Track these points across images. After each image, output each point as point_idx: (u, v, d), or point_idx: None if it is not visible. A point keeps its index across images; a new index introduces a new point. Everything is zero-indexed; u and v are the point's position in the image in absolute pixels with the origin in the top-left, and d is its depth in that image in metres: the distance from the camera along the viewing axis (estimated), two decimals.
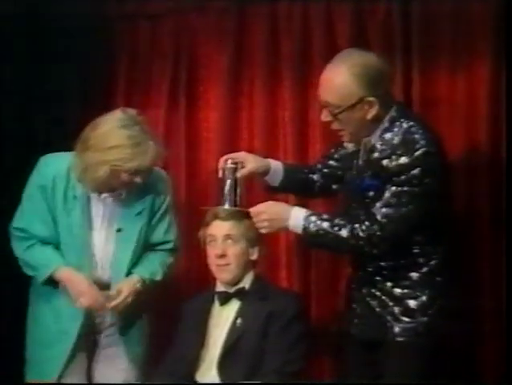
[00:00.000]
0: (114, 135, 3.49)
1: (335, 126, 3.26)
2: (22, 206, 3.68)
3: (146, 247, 3.74)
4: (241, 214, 3.50)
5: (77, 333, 3.63)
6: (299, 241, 3.35)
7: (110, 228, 3.67)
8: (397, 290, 3.24)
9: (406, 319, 3.22)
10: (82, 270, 3.61)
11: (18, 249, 3.65)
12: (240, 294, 3.59)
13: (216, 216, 3.60)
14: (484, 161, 3.75)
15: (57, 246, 3.63)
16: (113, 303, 3.58)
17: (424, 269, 3.23)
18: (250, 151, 3.67)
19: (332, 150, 3.58)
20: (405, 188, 3.12)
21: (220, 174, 3.45)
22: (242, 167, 3.44)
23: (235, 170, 3.43)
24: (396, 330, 3.22)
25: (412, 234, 3.20)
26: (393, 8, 3.94)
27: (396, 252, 3.22)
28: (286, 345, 3.48)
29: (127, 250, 3.67)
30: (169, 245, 3.76)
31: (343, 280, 3.94)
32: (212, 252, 3.61)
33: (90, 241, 3.65)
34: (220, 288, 3.64)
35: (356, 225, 3.17)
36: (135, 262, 3.69)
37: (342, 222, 3.20)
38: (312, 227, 3.22)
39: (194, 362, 3.56)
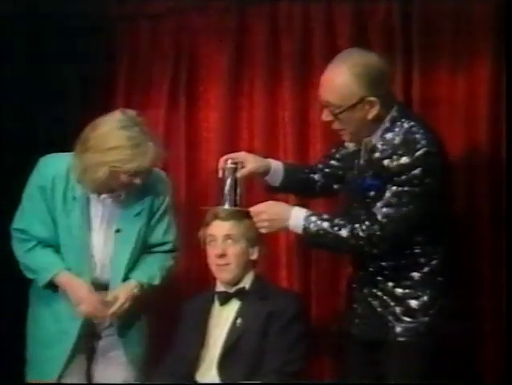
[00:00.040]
0: (113, 136, 3.49)
1: (336, 126, 3.26)
2: (21, 207, 3.68)
3: (145, 248, 3.74)
4: (241, 214, 3.50)
5: (77, 333, 3.63)
6: (299, 241, 3.35)
7: (109, 229, 3.67)
8: (398, 290, 3.24)
9: (407, 319, 3.22)
10: (81, 271, 3.61)
11: (19, 251, 3.65)
12: (240, 294, 3.59)
13: (216, 216, 3.60)
14: (484, 161, 3.75)
15: (57, 247, 3.63)
16: (110, 310, 3.59)
17: (426, 269, 3.23)
18: (250, 151, 3.67)
19: (333, 150, 3.58)
20: (406, 188, 3.12)
21: (220, 174, 3.45)
22: (242, 167, 3.44)
23: (235, 170, 3.43)
24: (398, 330, 3.22)
25: (413, 234, 3.20)
26: (393, 8, 3.93)
27: (398, 252, 3.22)
28: (286, 345, 3.48)
29: (125, 251, 3.67)
30: (168, 246, 3.76)
31: (343, 280, 3.95)
32: (212, 252, 3.61)
33: (89, 241, 3.65)
34: (220, 288, 3.63)
35: (356, 225, 3.17)
36: (133, 263, 3.69)
37: (342, 222, 3.20)
38: (312, 227, 3.22)
39: (194, 362, 3.56)
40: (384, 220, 3.14)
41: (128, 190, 3.62)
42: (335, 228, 3.19)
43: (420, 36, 3.88)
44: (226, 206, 3.43)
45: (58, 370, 3.62)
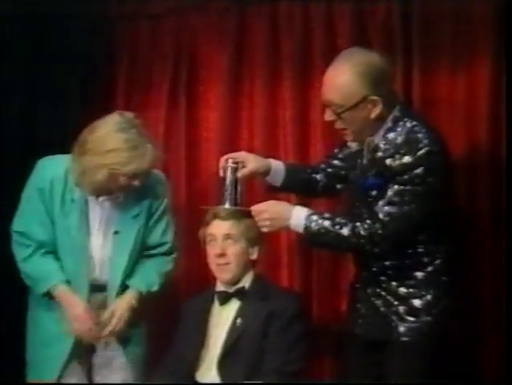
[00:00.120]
0: (111, 138, 3.49)
1: (339, 125, 3.26)
2: (20, 209, 3.68)
3: (143, 249, 3.73)
4: (242, 213, 3.51)
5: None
6: (300, 240, 3.34)
7: (107, 231, 3.67)
8: (402, 290, 3.24)
9: (411, 319, 3.21)
10: (79, 273, 3.62)
11: (18, 256, 3.65)
12: (240, 294, 3.59)
13: (216, 216, 3.60)
14: (484, 161, 3.75)
15: (55, 251, 3.63)
16: (106, 331, 3.61)
17: (429, 269, 3.23)
18: (251, 151, 3.67)
19: (336, 150, 3.58)
20: (408, 187, 3.12)
21: (220, 173, 3.45)
22: (243, 166, 3.44)
23: (236, 170, 3.43)
24: (401, 329, 3.22)
25: (416, 233, 3.20)
26: (393, 8, 3.93)
27: (401, 251, 3.22)
28: (286, 345, 3.47)
29: (124, 253, 3.67)
30: (166, 247, 3.76)
31: (344, 279, 3.95)
32: (212, 251, 3.61)
33: (87, 243, 3.64)
34: (220, 287, 3.63)
35: (358, 224, 3.17)
36: (132, 265, 3.70)
37: (343, 221, 3.20)
38: (314, 226, 3.22)
39: (194, 362, 3.56)
40: (386, 218, 3.14)
41: (127, 192, 3.62)
42: (337, 227, 3.19)
43: (420, 36, 3.88)
44: (226, 206, 3.43)
45: (58, 370, 3.61)
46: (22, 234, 3.63)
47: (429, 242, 3.23)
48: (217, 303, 3.63)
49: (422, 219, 3.16)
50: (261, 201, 3.73)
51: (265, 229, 3.33)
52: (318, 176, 3.60)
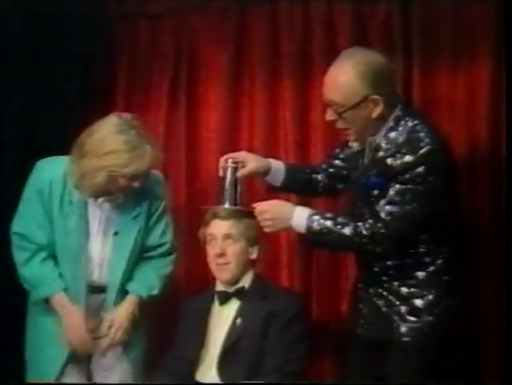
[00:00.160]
0: (110, 140, 3.49)
1: (340, 125, 3.25)
2: (19, 210, 3.67)
3: (143, 250, 3.73)
4: (241, 213, 3.52)
5: None
6: (302, 240, 3.33)
7: (107, 232, 3.67)
8: (404, 290, 3.24)
9: (412, 319, 3.21)
10: (77, 275, 3.62)
11: (17, 259, 3.65)
12: (240, 294, 3.59)
13: (215, 216, 3.60)
14: (484, 161, 3.75)
15: (54, 255, 3.63)
16: (105, 343, 3.62)
17: (431, 268, 3.23)
18: (251, 151, 3.66)
19: (337, 150, 3.57)
20: (409, 186, 3.12)
21: (220, 173, 3.45)
22: (243, 166, 3.44)
23: (235, 169, 3.43)
24: (403, 329, 3.22)
25: (418, 233, 3.19)
26: (393, 8, 3.93)
27: (402, 251, 3.22)
28: (286, 344, 3.48)
29: (123, 254, 3.67)
30: (166, 248, 3.75)
31: (344, 279, 3.96)
32: (211, 251, 3.61)
33: (86, 245, 3.64)
34: (220, 287, 3.63)
35: (360, 223, 3.17)
36: (132, 266, 3.70)
37: (345, 220, 3.19)
38: (316, 226, 3.21)
39: (194, 362, 3.56)
40: (388, 218, 3.14)
41: (126, 193, 3.62)
42: (338, 227, 3.19)
43: (420, 36, 3.88)
44: (226, 205, 3.43)
45: (58, 370, 3.62)
46: (21, 236, 3.63)
47: (431, 242, 3.22)
48: (216, 303, 3.63)
49: (424, 218, 3.15)
50: (261, 201, 3.75)
51: (267, 229, 3.32)
52: (319, 176, 3.59)
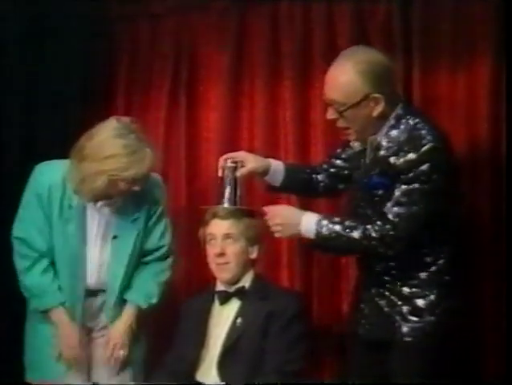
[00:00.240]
0: (109, 144, 3.48)
1: (341, 124, 3.24)
2: (20, 214, 3.67)
3: (142, 254, 3.73)
4: (241, 213, 3.52)
5: None
6: (310, 245, 3.32)
7: (106, 236, 3.67)
8: (406, 289, 3.23)
9: (414, 319, 3.20)
10: (76, 280, 3.63)
11: (18, 266, 3.65)
12: (240, 293, 3.59)
13: (215, 215, 3.60)
14: (484, 160, 3.75)
15: (54, 262, 3.63)
16: (103, 362, 3.65)
17: (433, 268, 3.22)
18: (251, 151, 3.67)
19: (339, 150, 3.56)
20: (415, 186, 3.11)
21: (220, 173, 3.45)
22: (242, 166, 3.44)
23: (235, 169, 3.43)
24: (404, 329, 3.21)
25: (425, 233, 3.18)
26: (393, 8, 3.93)
27: (404, 251, 3.21)
28: (286, 344, 3.47)
29: (123, 257, 3.67)
30: (163, 250, 3.75)
31: (344, 279, 3.96)
32: (211, 251, 3.61)
33: (86, 249, 3.64)
34: (220, 287, 3.63)
35: (368, 226, 3.15)
36: (131, 270, 3.70)
37: (353, 224, 3.18)
38: (325, 231, 3.19)
39: (194, 362, 3.56)
40: (396, 219, 3.12)
41: (125, 196, 3.62)
42: (347, 231, 3.17)
43: (420, 36, 3.88)
44: (226, 205, 3.43)
45: (58, 370, 3.62)
46: (22, 241, 3.63)
47: (433, 242, 3.21)
48: (217, 303, 3.63)
49: (430, 217, 3.14)
50: (260, 201, 3.75)
51: (277, 234, 3.31)
52: (320, 177, 3.58)
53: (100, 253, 3.66)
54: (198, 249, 3.72)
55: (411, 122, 3.18)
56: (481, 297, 3.73)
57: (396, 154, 3.15)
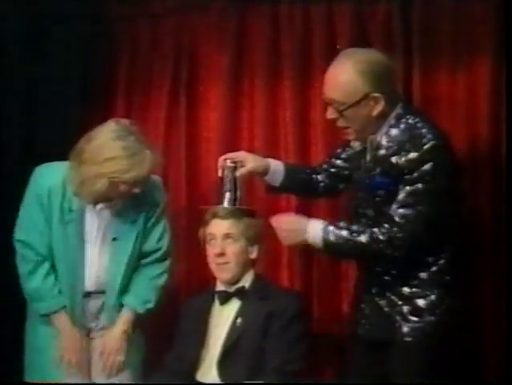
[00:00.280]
0: (109, 147, 3.48)
1: (341, 123, 3.24)
2: (21, 216, 3.66)
3: (140, 256, 3.72)
4: (241, 213, 3.52)
5: None
6: (317, 251, 3.31)
7: (105, 238, 3.66)
8: (406, 289, 3.23)
9: (414, 319, 3.20)
10: (75, 282, 3.63)
11: (20, 270, 3.64)
12: (240, 293, 3.59)
13: (215, 215, 3.59)
14: (484, 160, 3.75)
15: (55, 264, 3.63)
16: (100, 369, 3.65)
17: (433, 268, 3.22)
18: (251, 151, 3.67)
19: (339, 150, 3.56)
20: (419, 186, 3.10)
21: (219, 173, 3.45)
22: (242, 166, 3.44)
23: (234, 169, 3.43)
24: (405, 329, 3.21)
25: (432, 233, 3.17)
26: (393, 8, 3.93)
27: (405, 251, 3.21)
28: (286, 344, 3.47)
29: (122, 259, 3.67)
30: (161, 252, 3.74)
31: (344, 279, 3.96)
32: (211, 250, 3.61)
33: (85, 251, 3.64)
34: (220, 287, 3.63)
35: (375, 229, 3.14)
36: (130, 272, 3.69)
37: (360, 228, 3.17)
38: (331, 237, 3.18)
39: (194, 362, 3.55)
40: (402, 220, 3.12)
41: (125, 199, 3.62)
42: (354, 235, 3.16)
43: (421, 36, 3.89)
44: (225, 205, 3.44)
45: (58, 372, 3.62)
46: (24, 244, 3.62)
47: (434, 242, 3.21)
48: (217, 303, 3.63)
49: (436, 217, 3.13)
50: (260, 201, 3.75)
51: (285, 242, 3.32)
52: (320, 177, 3.58)
53: (100, 255, 3.66)
54: (198, 249, 3.72)
55: (411, 121, 3.18)
56: (481, 297, 3.74)
57: (397, 153, 3.15)
